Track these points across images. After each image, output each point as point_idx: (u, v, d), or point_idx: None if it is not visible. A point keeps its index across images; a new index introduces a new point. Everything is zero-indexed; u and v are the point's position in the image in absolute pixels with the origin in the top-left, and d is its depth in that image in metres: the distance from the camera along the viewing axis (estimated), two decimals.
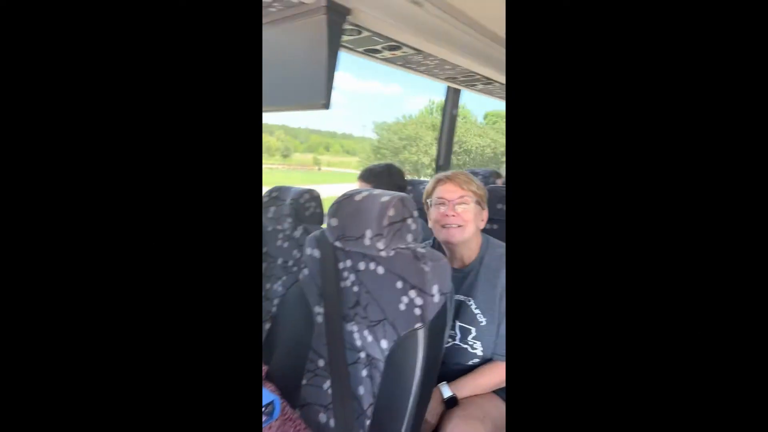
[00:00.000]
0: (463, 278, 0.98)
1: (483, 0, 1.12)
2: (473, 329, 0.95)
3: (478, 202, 0.99)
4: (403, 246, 0.75)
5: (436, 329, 0.71)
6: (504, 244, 1.01)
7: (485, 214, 1.01)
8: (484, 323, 0.94)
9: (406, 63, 1.35)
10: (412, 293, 0.71)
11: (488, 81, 1.69)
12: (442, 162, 2.49)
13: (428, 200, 1.01)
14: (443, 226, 0.96)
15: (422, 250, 0.74)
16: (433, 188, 1.01)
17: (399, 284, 0.72)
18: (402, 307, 0.72)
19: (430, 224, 1.01)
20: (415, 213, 0.78)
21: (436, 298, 0.70)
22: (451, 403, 0.90)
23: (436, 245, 1.04)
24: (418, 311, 0.70)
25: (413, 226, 0.77)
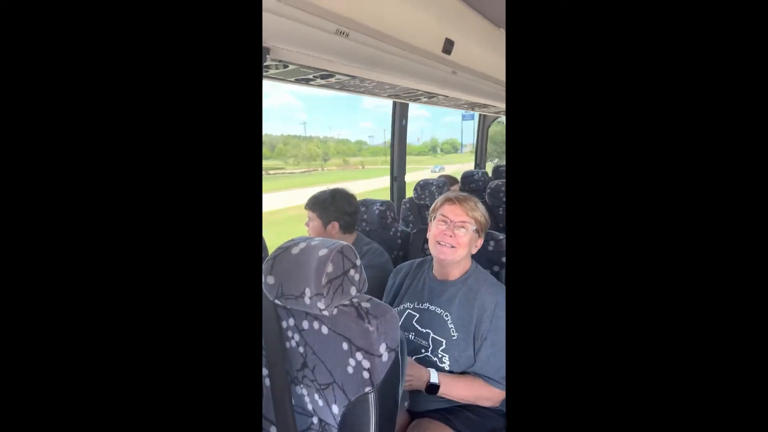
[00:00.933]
0: (444, 291, 1.03)
1: (415, 24, 1.10)
2: (444, 341, 0.98)
3: (477, 230, 1.03)
4: (347, 302, 0.70)
5: (387, 389, 0.67)
6: (489, 274, 1.08)
7: (480, 242, 1.06)
8: (455, 337, 0.97)
9: (342, 87, 1.30)
10: (359, 355, 0.66)
11: (432, 95, 1.68)
12: (397, 173, 2.47)
13: (434, 214, 1.05)
14: (438, 242, 1.01)
15: (367, 305, 0.69)
16: (441, 205, 1.05)
17: (344, 346, 0.68)
18: (350, 370, 0.67)
19: (428, 235, 1.06)
20: (358, 261, 0.73)
21: (385, 357, 0.66)
22: (433, 389, 0.93)
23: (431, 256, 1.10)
24: (366, 374, 0.66)
25: (356, 276, 0.72)
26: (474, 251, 1.06)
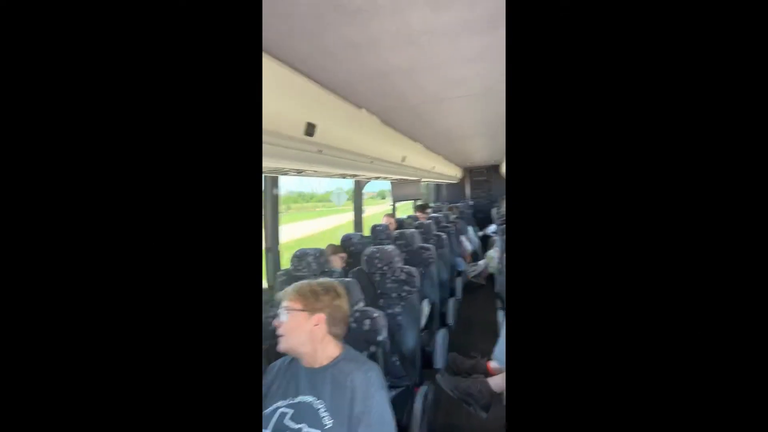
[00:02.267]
0: (315, 377, 0.98)
1: (275, 113, 1.09)
2: None
3: (303, 309, 1.00)
4: None
5: None
6: (360, 354, 1.05)
7: (317, 318, 1.00)
8: (329, 426, 0.91)
9: None
10: None
11: (299, 170, 1.68)
12: (270, 242, 2.35)
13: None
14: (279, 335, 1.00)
15: None
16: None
17: None
18: None
19: None
20: None
21: None
22: None
23: None
24: None
25: None
26: (320, 328, 1.00)
